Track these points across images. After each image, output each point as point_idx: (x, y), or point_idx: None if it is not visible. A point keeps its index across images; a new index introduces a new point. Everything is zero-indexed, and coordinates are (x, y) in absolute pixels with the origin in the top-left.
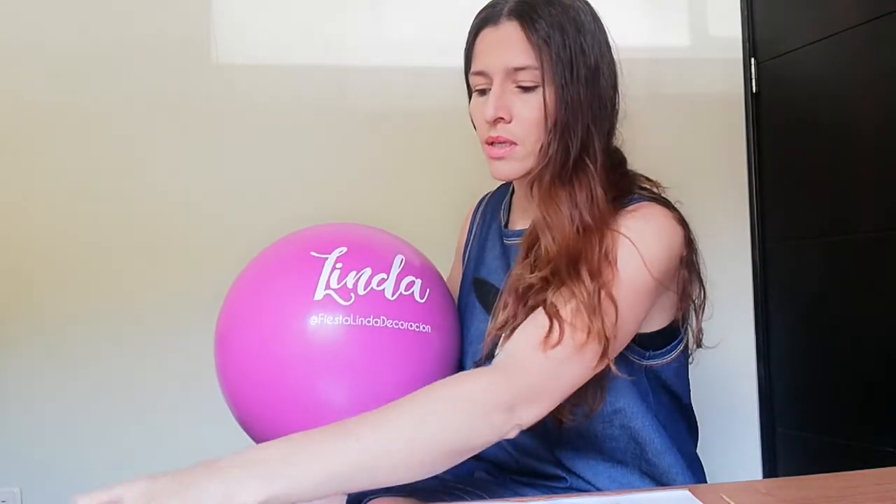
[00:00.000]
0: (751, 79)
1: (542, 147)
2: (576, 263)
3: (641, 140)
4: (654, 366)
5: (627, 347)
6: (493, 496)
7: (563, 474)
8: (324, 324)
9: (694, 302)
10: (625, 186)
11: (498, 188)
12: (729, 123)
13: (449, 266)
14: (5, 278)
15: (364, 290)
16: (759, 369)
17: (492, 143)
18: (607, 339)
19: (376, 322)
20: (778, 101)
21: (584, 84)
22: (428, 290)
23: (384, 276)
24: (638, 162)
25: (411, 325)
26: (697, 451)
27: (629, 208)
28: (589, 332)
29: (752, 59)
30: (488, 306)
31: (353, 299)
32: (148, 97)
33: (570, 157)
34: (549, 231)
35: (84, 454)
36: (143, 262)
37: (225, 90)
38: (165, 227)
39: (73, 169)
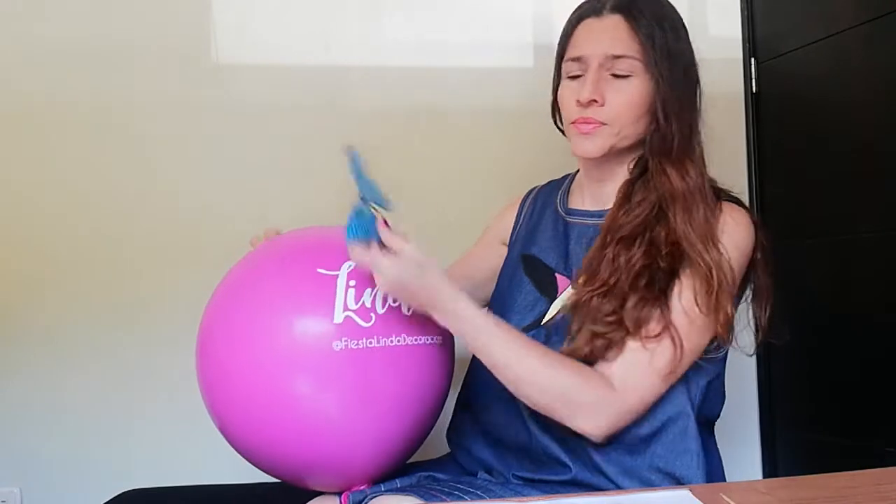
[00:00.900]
0: (751, 79)
1: (652, 128)
2: (707, 240)
3: None
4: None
5: None
6: (493, 496)
7: (569, 462)
8: (348, 348)
9: (762, 299)
10: (714, 189)
11: (547, 183)
12: (729, 123)
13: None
14: (5, 278)
15: (383, 308)
16: (759, 369)
17: (581, 122)
18: (726, 323)
19: (398, 341)
20: (778, 101)
21: (682, 76)
22: None
23: None
24: None
25: (427, 339)
26: None
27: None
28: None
29: (752, 59)
30: (536, 281)
31: (373, 320)
32: (148, 97)
33: (684, 137)
34: (682, 205)
35: (84, 454)
36: (144, 261)
37: (225, 90)
38: (165, 227)
39: (72, 169)
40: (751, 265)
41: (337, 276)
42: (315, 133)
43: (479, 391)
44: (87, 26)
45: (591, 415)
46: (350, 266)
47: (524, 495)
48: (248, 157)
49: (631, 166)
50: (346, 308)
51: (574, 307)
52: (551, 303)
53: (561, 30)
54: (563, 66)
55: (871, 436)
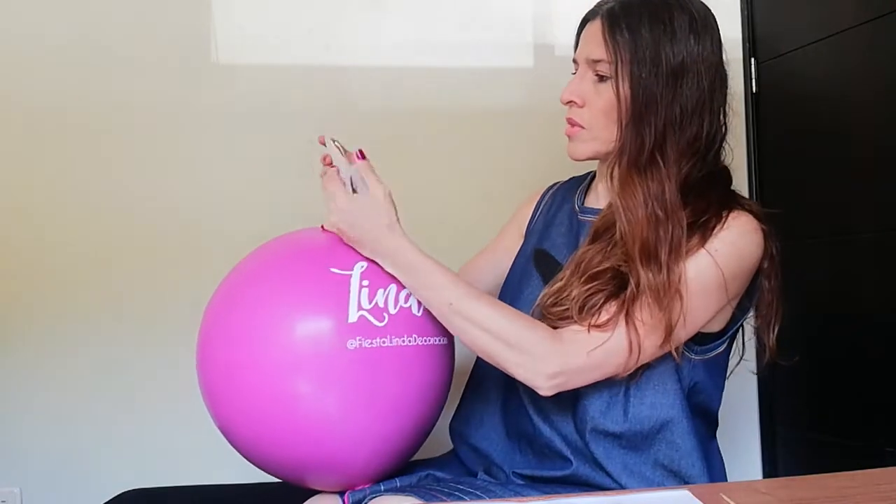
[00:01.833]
0: (751, 79)
1: (618, 134)
2: (647, 251)
3: None
4: (695, 360)
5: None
6: (493, 496)
7: (570, 457)
8: (361, 347)
9: (768, 315)
10: (722, 200)
11: (569, 179)
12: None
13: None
14: (5, 278)
15: (395, 308)
16: (759, 369)
17: (567, 124)
18: (670, 330)
19: (409, 341)
20: (778, 101)
21: (664, 83)
22: None
23: (408, 290)
24: None
25: (436, 340)
26: None
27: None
28: (650, 326)
29: (752, 59)
30: (545, 276)
31: (386, 320)
32: (147, 97)
33: (644, 148)
34: (623, 214)
35: (84, 454)
36: (143, 262)
37: (225, 90)
38: (165, 227)
39: (71, 169)
40: (757, 274)
41: (350, 275)
42: (315, 133)
43: (487, 382)
44: (87, 26)
45: (534, 361)
46: (363, 266)
47: (524, 496)
48: (248, 157)
49: None
50: (360, 307)
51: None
52: None
53: (561, 29)
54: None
55: (871, 436)
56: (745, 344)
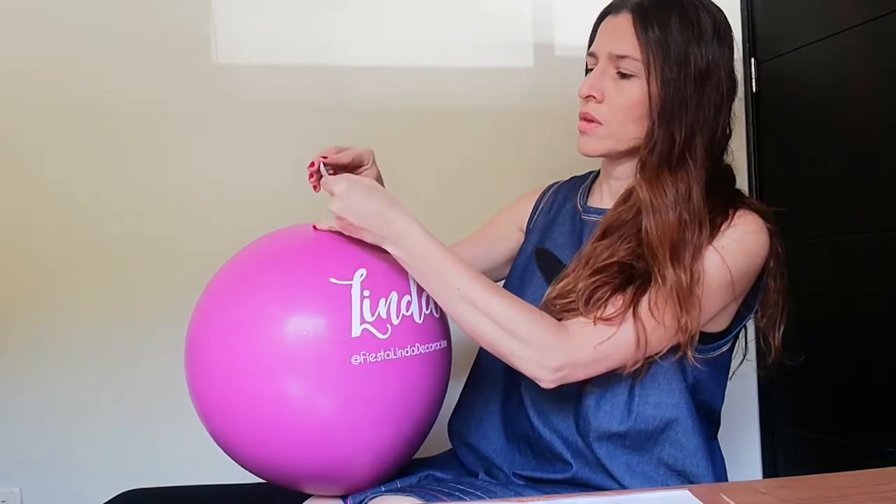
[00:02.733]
0: (751, 79)
1: (648, 132)
2: (676, 253)
3: None
4: (699, 359)
5: None
6: (493, 496)
7: (571, 460)
8: (366, 362)
9: (773, 315)
10: (728, 199)
11: (570, 178)
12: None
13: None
14: (4, 278)
15: (397, 318)
16: (759, 369)
17: (581, 119)
18: (686, 328)
19: (412, 351)
20: (778, 101)
21: (692, 85)
22: (432, 301)
23: (408, 297)
24: None
25: (437, 345)
26: None
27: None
28: (664, 321)
29: (752, 59)
30: (548, 276)
31: (389, 332)
32: (147, 97)
33: (675, 147)
34: (652, 214)
35: (84, 454)
36: (144, 261)
37: (225, 90)
38: (165, 228)
39: (71, 169)
40: (762, 273)
41: (350, 285)
42: (315, 133)
43: (486, 382)
44: (86, 26)
45: (539, 355)
46: (362, 274)
47: (524, 496)
48: (248, 157)
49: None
50: (362, 320)
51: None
52: None
53: (560, 29)
54: (586, 59)
55: (871, 436)
56: (748, 343)
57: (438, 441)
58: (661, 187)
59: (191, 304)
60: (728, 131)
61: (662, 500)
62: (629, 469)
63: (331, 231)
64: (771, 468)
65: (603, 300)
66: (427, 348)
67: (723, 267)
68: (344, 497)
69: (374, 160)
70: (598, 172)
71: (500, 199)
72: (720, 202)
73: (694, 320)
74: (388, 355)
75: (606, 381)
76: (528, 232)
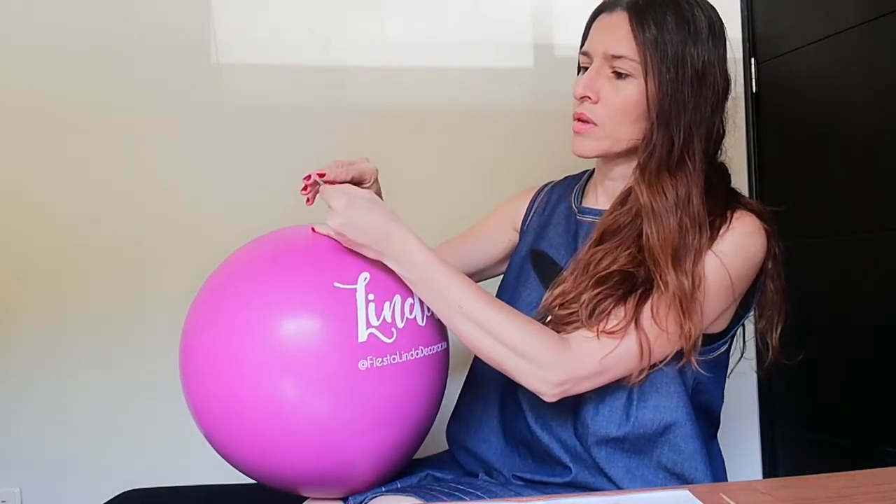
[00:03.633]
0: (751, 79)
1: (645, 135)
2: (678, 259)
3: None
4: (699, 360)
5: None
6: (493, 496)
7: (570, 464)
8: (373, 366)
9: (771, 315)
10: (725, 198)
11: (564, 178)
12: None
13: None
14: (4, 279)
15: (402, 322)
16: (759, 369)
17: (576, 120)
18: (689, 335)
19: (416, 354)
20: (778, 101)
21: (689, 85)
22: None
23: (411, 300)
24: None
25: (438, 347)
26: None
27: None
28: (666, 329)
29: (752, 59)
30: (543, 278)
31: (395, 336)
32: (148, 97)
33: (674, 149)
34: (653, 220)
35: (84, 454)
36: (144, 261)
37: (225, 90)
38: (165, 228)
39: (71, 169)
40: (760, 274)
41: (355, 289)
42: (315, 133)
43: (484, 385)
44: (86, 26)
45: (541, 371)
46: (366, 278)
47: (524, 496)
48: (247, 157)
49: (636, 170)
50: (368, 325)
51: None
52: None
53: (560, 29)
54: (579, 58)
55: (871, 436)
56: (746, 342)
57: (438, 441)
58: (662, 191)
59: (190, 304)
60: (722, 131)
61: (662, 500)
62: (628, 472)
63: (329, 236)
64: (771, 468)
65: (606, 312)
66: (430, 350)
67: (722, 270)
68: (345, 499)
69: (376, 178)
70: (593, 171)
71: (499, 198)
72: (718, 203)
73: (697, 326)
74: (393, 359)
75: (605, 386)
76: (522, 233)
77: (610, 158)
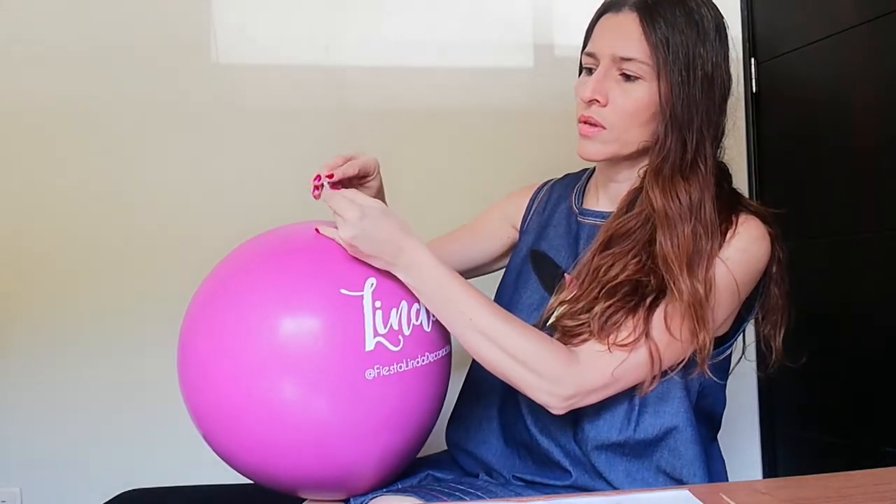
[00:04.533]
0: (751, 79)
1: (657, 140)
2: (692, 266)
3: None
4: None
5: None
6: (493, 496)
7: (570, 468)
8: (380, 375)
9: (775, 318)
10: (729, 201)
11: (564, 176)
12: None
13: None
14: (4, 279)
15: (409, 329)
16: (759, 371)
17: (583, 123)
18: (704, 344)
19: (422, 360)
20: (778, 101)
21: (699, 87)
22: None
23: (417, 305)
24: None
25: (443, 351)
26: None
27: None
28: (678, 337)
29: (752, 59)
30: (544, 279)
31: (402, 343)
32: (148, 98)
33: (686, 153)
34: (667, 227)
35: (84, 454)
36: (143, 261)
37: (225, 90)
38: (165, 228)
39: (71, 169)
40: (764, 277)
41: (362, 296)
42: (315, 133)
43: (483, 388)
44: (86, 26)
45: (550, 385)
46: (373, 284)
47: (524, 496)
48: (248, 157)
49: (641, 173)
50: (376, 333)
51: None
52: None
53: (560, 29)
54: (582, 58)
55: (871, 436)
56: (746, 343)
57: (438, 440)
58: (676, 196)
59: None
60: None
61: (662, 500)
62: (628, 476)
63: (349, 247)
64: (771, 468)
65: (617, 325)
66: (435, 356)
67: (729, 277)
68: (345, 500)
69: (378, 171)
70: (593, 170)
71: (498, 199)
72: (724, 207)
73: (710, 332)
74: (400, 367)
75: None
76: (522, 232)
77: (615, 163)
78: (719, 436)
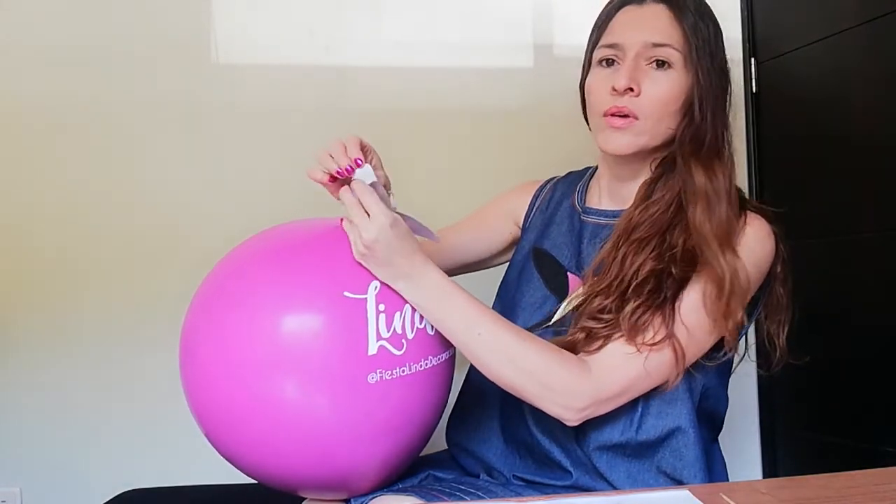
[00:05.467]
0: (751, 79)
1: (688, 123)
2: (728, 241)
3: None
4: (708, 367)
5: None
6: (493, 496)
7: (571, 468)
8: (382, 380)
9: (779, 317)
10: (738, 197)
11: (567, 174)
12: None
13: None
14: (4, 279)
15: (412, 332)
16: (762, 369)
17: (613, 115)
18: (734, 324)
19: (425, 364)
20: (778, 101)
21: (719, 76)
22: None
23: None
24: None
25: (446, 355)
26: None
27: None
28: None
29: (752, 59)
30: (546, 277)
31: (405, 347)
32: (148, 97)
33: (717, 138)
34: (706, 202)
35: (84, 454)
36: (143, 261)
37: (225, 90)
38: (165, 228)
39: (72, 170)
40: (769, 277)
41: (365, 300)
42: (315, 133)
43: (483, 388)
44: (87, 26)
45: (563, 398)
46: (376, 287)
47: (525, 496)
48: (248, 157)
49: (654, 166)
50: (379, 337)
51: (578, 306)
52: (560, 302)
53: (560, 29)
54: (596, 52)
55: (871, 436)
56: (748, 344)
57: (439, 440)
58: (716, 174)
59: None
60: None
61: (662, 500)
62: (629, 476)
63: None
64: (771, 468)
65: (646, 324)
66: (438, 360)
67: (745, 270)
68: (346, 500)
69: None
70: (596, 169)
71: None
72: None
73: (740, 309)
74: (403, 371)
75: None
76: (524, 230)
77: (634, 156)
78: (720, 436)
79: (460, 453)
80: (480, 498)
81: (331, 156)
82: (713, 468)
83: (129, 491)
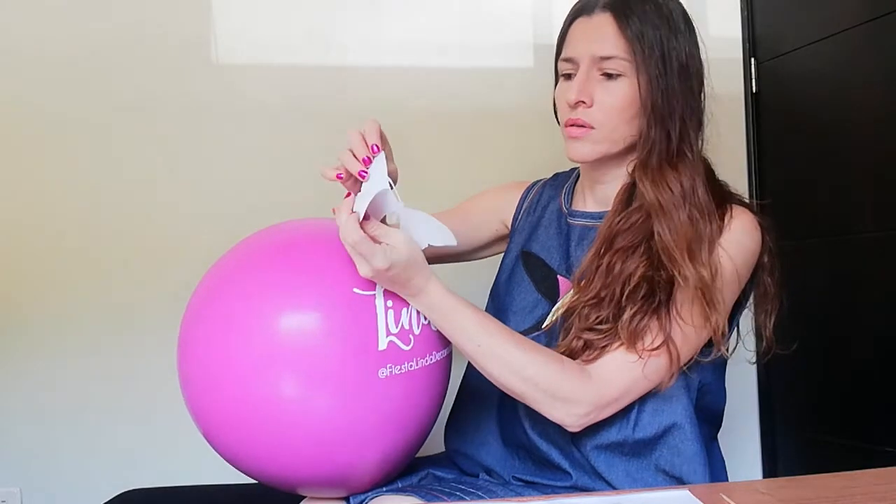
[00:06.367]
0: (751, 79)
1: (641, 133)
2: (692, 252)
3: None
4: (703, 362)
5: None
6: (493, 496)
7: (570, 469)
8: (392, 374)
9: (767, 306)
10: (719, 191)
11: (553, 176)
12: (729, 123)
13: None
14: (4, 279)
15: (418, 328)
16: (758, 369)
17: (571, 125)
18: (719, 328)
19: (431, 359)
20: (778, 101)
21: (677, 77)
22: None
23: None
24: None
25: (447, 351)
26: None
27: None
28: (692, 327)
29: (752, 59)
30: (536, 280)
31: (412, 342)
32: (148, 97)
33: (671, 143)
34: (662, 217)
35: (84, 454)
36: (143, 262)
37: (225, 91)
38: (164, 228)
39: (72, 170)
40: (756, 268)
41: (374, 296)
42: (315, 133)
43: (480, 390)
44: (87, 26)
45: (566, 406)
46: None
47: (525, 496)
48: (248, 157)
49: (630, 169)
50: (388, 333)
51: (567, 314)
52: (552, 305)
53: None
54: (559, 65)
55: (871, 436)
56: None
57: (437, 441)
58: (666, 185)
59: None
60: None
61: (662, 500)
62: (628, 476)
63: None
64: (771, 468)
65: (645, 329)
66: (441, 355)
67: (730, 263)
68: (346, 498)
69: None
70: (579, 172)
71: None
72: (716, 194)
73: (721, 315)
74: (410, 366)
75: None
76: (512, 231)
77: (602, 161)
78: (720, 436)
79: (459, 457)
80: (480, 498)
81: (351, 151)
82: (712, 466)
83: (129, 491)
